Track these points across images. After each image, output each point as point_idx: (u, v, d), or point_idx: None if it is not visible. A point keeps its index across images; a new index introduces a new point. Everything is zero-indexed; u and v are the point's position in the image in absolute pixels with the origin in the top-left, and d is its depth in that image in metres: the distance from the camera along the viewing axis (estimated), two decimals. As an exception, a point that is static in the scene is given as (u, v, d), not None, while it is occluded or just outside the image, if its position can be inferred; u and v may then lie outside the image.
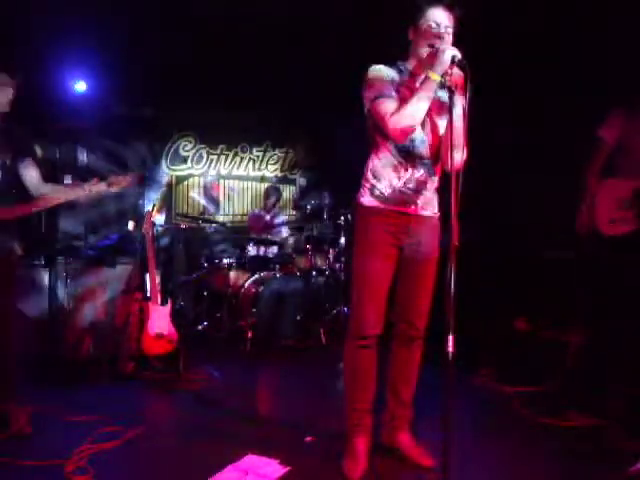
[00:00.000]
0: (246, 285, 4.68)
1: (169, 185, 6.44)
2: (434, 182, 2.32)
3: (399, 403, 2.42)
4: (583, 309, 3.38)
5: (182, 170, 6.57)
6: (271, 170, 6.95)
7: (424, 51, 2.15)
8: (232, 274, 4.92)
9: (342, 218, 4.88)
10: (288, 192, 6.89)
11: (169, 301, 3.79)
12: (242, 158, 6.82)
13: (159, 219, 5.45)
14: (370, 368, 2.30)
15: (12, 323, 2.62)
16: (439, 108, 2.24)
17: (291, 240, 5.44)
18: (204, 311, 4.97)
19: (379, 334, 2.28)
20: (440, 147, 2.27)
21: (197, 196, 6.57)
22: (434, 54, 2.07)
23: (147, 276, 3.82)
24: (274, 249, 5.21)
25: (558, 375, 3.29)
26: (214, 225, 5.82)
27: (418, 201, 2.27)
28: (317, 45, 4.78)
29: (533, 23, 3.93)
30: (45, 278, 3.98)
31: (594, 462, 2.40)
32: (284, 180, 6.91)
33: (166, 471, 2.33)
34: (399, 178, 2.23)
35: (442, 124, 2.26)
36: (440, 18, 2.13)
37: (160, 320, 3.69)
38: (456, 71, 2.02)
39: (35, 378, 3.35)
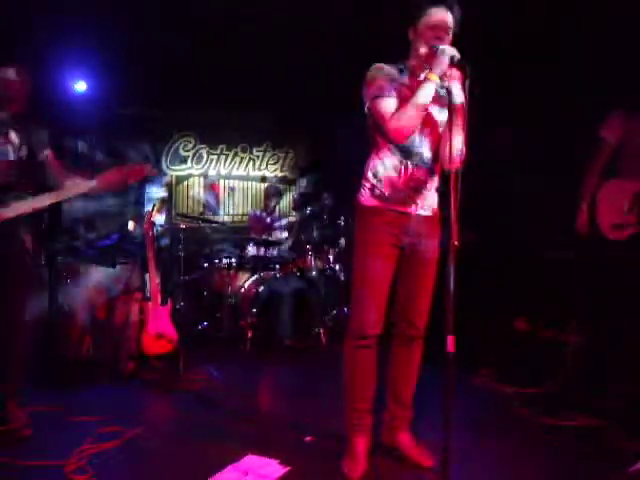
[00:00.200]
0: (246, 285, 4.68)
1: (168, 185, 6.44)
2: (434, 181, 2.32)
3: (399, 403, 2.42)
4: (583, 309, 3.38)
5: (182, 170, 6.57)
6: (271, 170, 6.94)
7: (424, 51, 2.16)
8: (232, 274, 4.91)
9: (342, 218, 4.87)
10: (288, 192, 6.89)
11: (169, 301, 3.79)
12: (242, 158, 6.82)
13: (159, 219, 5.45)
14: (370, 368, 2.30)
15: (21, 326, 2.59)
16: (439, 107, 2.24)
17: (291, 240, 5.44)
18: (204, 311, 4.97)
19: (379, 334, 2.28)
20: (440, 146, 2.27)
21: (197, 196, 6.57)
22: (433, 54, 2.07)
23: (147, 276, 3.82)
24: (274, 249, 5.20)
25: (558, 375, 3.29)
26: (214, 225, 5.82)
27: (418, 201, 2.27)
28: (317, 45, 4.78)
29: (533, 23, 3.93)
30: (45, 277, 3.97)
31: (594, 462, 2.41)
32: (284, 180, 6.91)
33: (166, 471, 2.33)
34: (399, 177, 2.23)
35: (442, 123, 2.26)
36: (440, 18, 2.13)
37: (160, 320, 3.69)
38: (455, 71, 2.02)
39: (35, 378, 3.35)
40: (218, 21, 4.55)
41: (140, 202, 5.90)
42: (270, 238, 5.28)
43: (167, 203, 6.30)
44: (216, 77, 5.30)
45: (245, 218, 6.42)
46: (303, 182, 6.76)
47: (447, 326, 1.86)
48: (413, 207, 2.27)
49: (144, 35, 4.52)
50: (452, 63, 2.01)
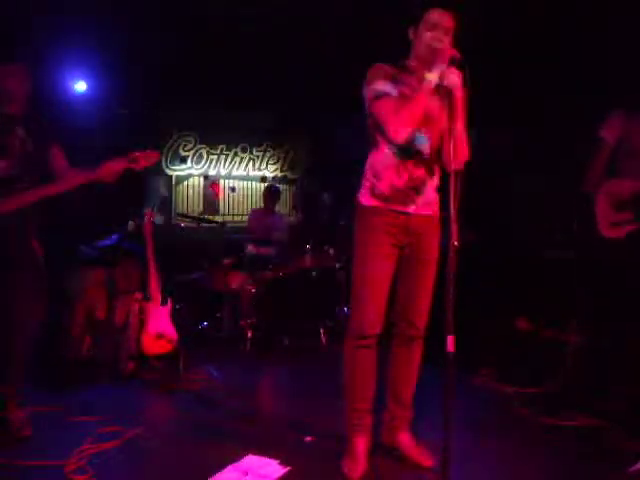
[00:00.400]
0: (246, 285, 4.68)
1: (168, 185, 6.45)
2: (434, 181, 2.32)
3: (399, 403, 2.42)
4: (583, 309, 3.38)
5: (182, 170, 6.58)
6: (271, 170, 6.95)
7: (423, 51, 2.16)
8: (232, 274, 4.91)
9: (342, 218, 4.86)
10: (288, 192, 6.90)
11: (169, 301, 3.79)
12: (242, 158, 6.82)
13: (159, 219, 5.45)
14: (370, 368, 2.30)
15: (21, 326, 2.57)
16: (439, 107, 2.24)
17: (291, 240, 5.43)
18: (204, 311, 4.97)
19: (379, 334, 2.28)
20: (440, 146, 2.27)
21: (197, 196, 6.57)
22: (433, 55, 2.07)
23: (147, 276, 3.82)
24: (274, 249, 5.20)
25: (558, 375, 3.29)
26: (214, 225, 5.82)
27: (418, 200, 2.27)
28: (317, 45, 4.78)
29: (533, 23, 3.93)
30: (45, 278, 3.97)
31: (594, 462, 2.41)
32: (284, 180, 6.91)
33: (166, 471, 2.33)
34: (399, 177, 2.23)
35: (442, 123, 2.25)
36: (440, 19, 2.14)
37: (160, 320, 3.69)
38: (455, 71, 2.02)
39: (35, 378, 3.35)
40: (218, 21, 4.56)
41: (140, 202, 5.90)
42: (270, 238, 5.28)
43: (167, 203, 6.32)
44: (216, 77, 5.30)
45: (245, 218, 6.43)
46: (303, 182, 6.77)
47: (447, 326, 1.86)
48: (413, 207, 2.27)
49: (144, 35, 4.53)
50: (452, 63, 2.01)
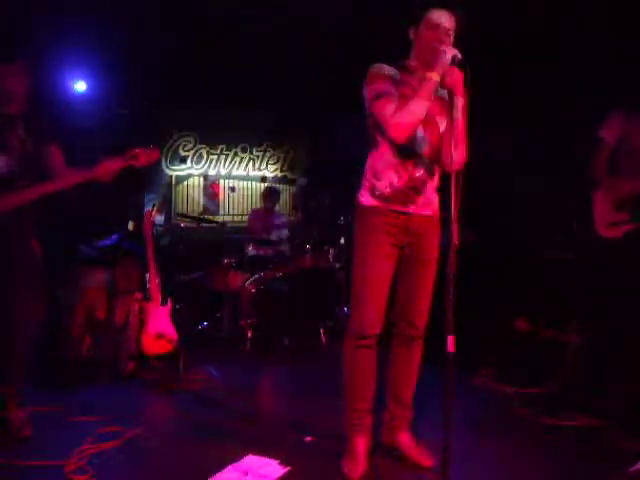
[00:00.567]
0: (246, 285, 4.68)
1: (168, 185, 6.45)
2: (434, 181, 2.32)
3: (399, 403, 2.42)
4: (583, 309, 3.38)
5: (182, 170, 6.58)
6: (271, 170, 6.95)
7: (424, 52, 2.16)
8: (232, 274, 4.91)
9: (342, 218, 4.87)
10: (288, 192, 6.89)
11: (169, 301, 3.79)
12: (242, 158, 6.83)
13: (159, 219, 5.45)
14: (370, 368, 2.29)
15: (21, 326, 2.56)
16: (440, 108, 2.24)
17: (291, 240, 5.44)
18: (204, 311, 4.97)
19: (379, 334, 2.28)
20: (440, 146, 2.27)
21: (197, 196, 6.57)
22: (434, 55, 2.07)
23: (147, 276, 3.81)
24: (274, 249, 5.20)
25: (558, 375, 3.29)
26: (214, 225, 5.82)
27: (418, 200, 2.27)
28: (317, 45, 4.78)
29: (533, 23, 3.93)
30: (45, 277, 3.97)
31: (594, 462, 2.41)
32: (284, 180, 6.91)
33: (166, 471, 2.33)
34: (399, 177, 2.23)
35: (442, 123, 2.26)
36: (440, 19, 2.14)
37: (160, 320, 3.69)
38: (456, 72, 2.02)
39: (35, 378, 3.35)
40: (218, 21, 4.56)
41: (140, 202, 5.90)
42: (270, 238, 5.28)
43: (167, 203, 6.32)
44: (216, 77, 5.30)
45: (245, 218, 6.43)
46: (303, 182, 6.77)
47: (447, 326, 1.86)
48: (413, 207, 2.27)
49: (144, 35, 4.53)
50: (453, 63, 2.01)
